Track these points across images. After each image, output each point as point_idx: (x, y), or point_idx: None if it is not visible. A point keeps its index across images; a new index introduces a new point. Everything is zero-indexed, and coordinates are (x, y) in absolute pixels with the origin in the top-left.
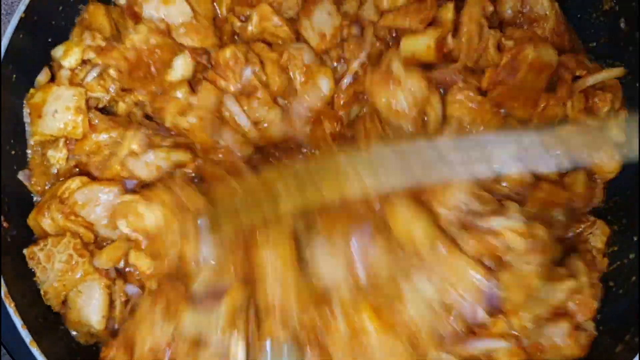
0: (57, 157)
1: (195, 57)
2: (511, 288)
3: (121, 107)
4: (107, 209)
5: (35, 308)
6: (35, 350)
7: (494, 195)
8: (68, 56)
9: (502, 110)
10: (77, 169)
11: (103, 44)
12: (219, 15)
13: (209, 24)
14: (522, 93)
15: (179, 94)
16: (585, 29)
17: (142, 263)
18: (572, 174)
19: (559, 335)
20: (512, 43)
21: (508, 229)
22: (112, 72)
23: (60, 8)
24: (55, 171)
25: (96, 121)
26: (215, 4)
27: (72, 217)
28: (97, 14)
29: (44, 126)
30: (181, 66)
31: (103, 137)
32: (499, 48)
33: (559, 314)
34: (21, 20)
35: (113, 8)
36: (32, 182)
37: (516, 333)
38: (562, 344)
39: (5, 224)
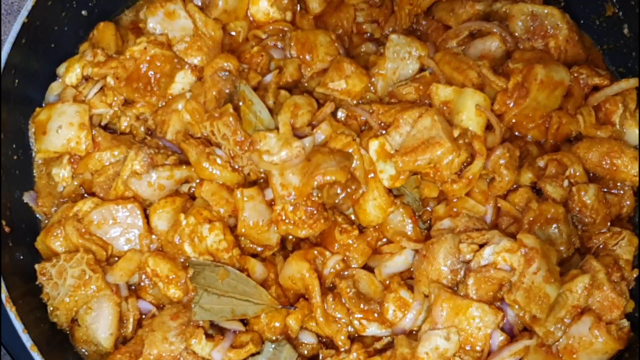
0: (61, 174)
1: (197, 73)
2: (528, 305)
3: (122, 122)
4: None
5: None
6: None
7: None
8: (69, 72)
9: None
10: (82, 189)
11: (103, 59)
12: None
13: (214, 45)
14: (536, 113)
15: (180, 105)
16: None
17: (161, 268)
18: (583, 186)
19: (584, 331)
20: (521, 65)
21: (498, 254)
22: (109, 80)
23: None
24: (62, 189)
25: (99, 139)
26: (229, 31)
27: (87, 236)
28: (105, 32)
29: (48, 143)
30: (183, 80)
31: (106, 155)
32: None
33: (582, 312)
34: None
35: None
36: (39, 204)
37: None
38: (593, 340)
39: (6, 228)
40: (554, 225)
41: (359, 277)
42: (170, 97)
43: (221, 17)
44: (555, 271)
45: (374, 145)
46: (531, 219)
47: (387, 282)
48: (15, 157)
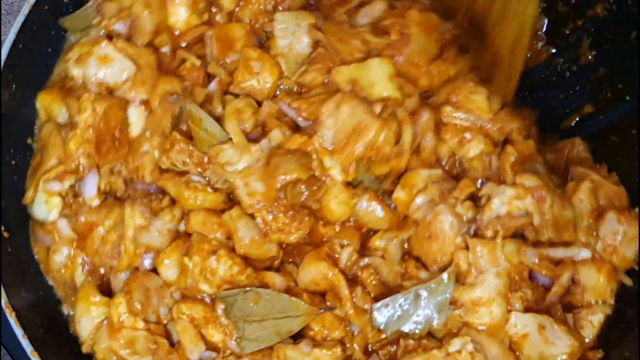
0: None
1: (149, 107)
2: (560, 236)
3: (101, 183)
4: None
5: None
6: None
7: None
8: (52, 210)
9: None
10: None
11: (61, 168)
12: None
13: (153, 72)
14: (422, 59)
15: (146, 147)
16: None
17: (196, 310)
18: None
19: (613, 227)
20: (393, 19)
21: (509, 203)
22: (82, 160)
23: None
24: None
25: (93, 218)
26: (156, 51)
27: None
28: (52, 136)
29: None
30: (136, 117)
31: (103, 227)
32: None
33: (601, 213)
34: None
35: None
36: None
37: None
38: (626, 228)
39: (5, 234)
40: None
41: (378, 265)
42: (134, 141)
43: (151, 39)
44: (561, 194)
45: (316, 144)
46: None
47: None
48: (13, 162)
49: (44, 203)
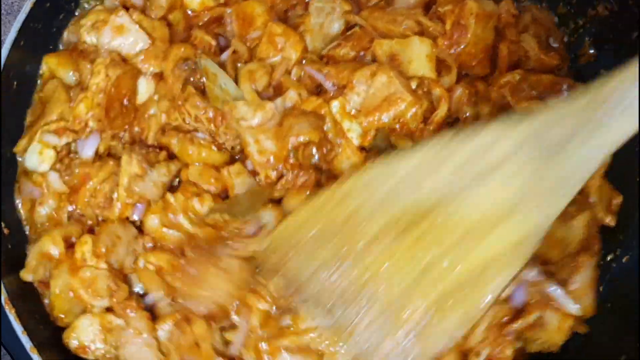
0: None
1: (158, 79)
2: (546, 246)
3: (100, 146)
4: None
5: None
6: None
7: None
8: (44, 162)
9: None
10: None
11: (62, 124)
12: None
13: (165, 45)
14: (478, 48)
15: (153, 110)
16: None
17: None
18: None
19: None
20: (451, 6)
21: None
22: (91, 123)
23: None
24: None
25: (87, 169)
26: (169, 26)
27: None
28: (57, 92)
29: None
30: (146, 87)
31: (97, 179)
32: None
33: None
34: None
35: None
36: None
37: None
38: None
39: (5, 231)
40: None
41: None
42: (140, 106)
43: (165, 13)
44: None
45: (335, 106)
46: None
47: None
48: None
49: (37, 153)
